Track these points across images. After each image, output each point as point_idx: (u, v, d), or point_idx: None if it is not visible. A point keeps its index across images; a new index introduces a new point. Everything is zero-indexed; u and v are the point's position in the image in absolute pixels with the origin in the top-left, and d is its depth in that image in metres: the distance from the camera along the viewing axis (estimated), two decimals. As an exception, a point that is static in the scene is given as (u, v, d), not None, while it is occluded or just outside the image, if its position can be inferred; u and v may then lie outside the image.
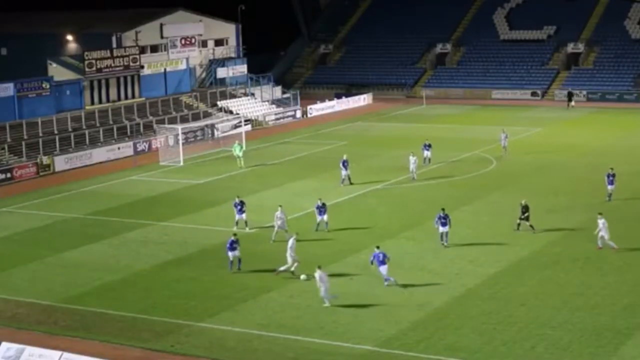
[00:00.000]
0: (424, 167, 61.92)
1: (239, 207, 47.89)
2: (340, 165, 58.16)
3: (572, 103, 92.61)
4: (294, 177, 61.26)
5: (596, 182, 55.45)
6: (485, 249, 43.14)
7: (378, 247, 38.88)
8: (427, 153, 63.56)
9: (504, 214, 49.45)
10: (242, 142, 68.91)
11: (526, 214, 45.68)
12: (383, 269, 38.05)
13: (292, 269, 39.80)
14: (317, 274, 35.93)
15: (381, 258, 38.08)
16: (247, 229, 47.65)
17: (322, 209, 46.74)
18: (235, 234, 41.93)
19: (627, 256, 41.45)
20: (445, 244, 43.66)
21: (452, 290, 37.44)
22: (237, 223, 47.82)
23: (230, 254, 40.78)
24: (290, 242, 40.15)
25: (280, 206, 46.27)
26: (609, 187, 51.64)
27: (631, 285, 37.48)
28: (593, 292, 36.78)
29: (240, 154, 65.73)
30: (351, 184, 57.57)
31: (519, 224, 45.88)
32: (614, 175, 51.59)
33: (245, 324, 34.42)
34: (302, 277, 39.26)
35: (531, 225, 45.70)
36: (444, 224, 43.80)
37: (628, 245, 43.05)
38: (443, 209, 44.20)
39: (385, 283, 38.11)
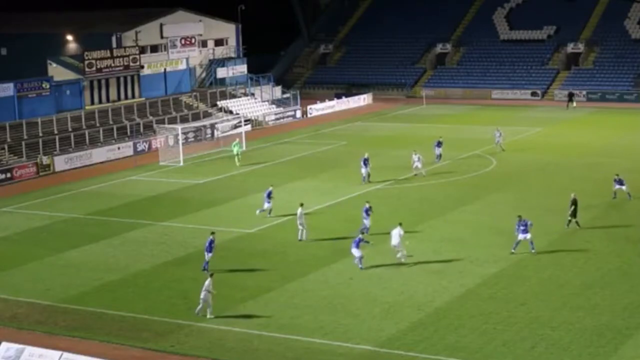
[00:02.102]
0: (434, 165, 62.62)
1: (270, 196, 49.45)
2: (361, 163, 58.43)
3: (574, 104, 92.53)
4: (294, 177, 61.24)
5: (597, 182, 55.48)
6: (485, 249, 43.12)
7: (363, 233, 42.13)
8: (438, 150, 64.51)
9: (504, 214, 49.43)
10: (240, 142, 69.10)
11: (572, 208, 45.50)
12: (355, 252, 40.61)
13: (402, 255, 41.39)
14: (208, 281, 35.52)
15: (357, 241, 40.65)
16: (269, 215, 49.39)
17: (368, 212, 45.44)
18: (213, 233, 41.68)
19: (627, 256, 41.45)
20: (533, 251, 41.92)
21: (452, 290, 37.44)
22: (264, 210, 49.56)
23: (208, 255, 40.85)
24: (397, 231, 41.12)
25: (302, 205, 46.09)
26: (617, 186, 51.28)
27: (631, 285, 37.49)
28: (593, 292, 36.79)
29: (237, 152, 66.07)
30: (369, 181, 57.93)
31: (569, 221, 45.68)
32: (620, 181, 51.30)
33: (245, 324, 34.41)
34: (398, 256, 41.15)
35: (577, 222, 45.57)
36: (524, 231, 41.88)
37: (628, 245, 43.07)
38: (520, 216, 42.41)
39: (360, 266, 40.47)
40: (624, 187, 51.26)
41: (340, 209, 51.90)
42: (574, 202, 45.84)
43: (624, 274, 39.09)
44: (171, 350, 32.28)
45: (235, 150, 66.32)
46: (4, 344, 30.82)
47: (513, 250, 42.13)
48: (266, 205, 49.64)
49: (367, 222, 45.26)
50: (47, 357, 29.90)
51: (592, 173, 58.57)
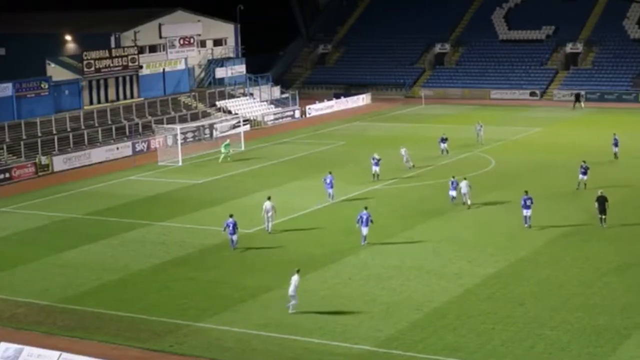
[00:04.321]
0: (438, 163, 63.82)
1: (329, 182, 52.89)
2: (372, 161, 59.45)
3: (582, 104, 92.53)
4: (292, 177, 61.27)
5: (596, 182, 55.48)
6: (484, 249, 43.14)
7: (366, 208, 44.47)
8: (443, 145, 66.87)
9: (503, 213, 49.50)
10: (230, 142, 69.88)
11: (595, 205, 46.12)
12: (364, 230, 43.57)
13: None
14: (295, 276, 35.59)
15: (365, 219, 43.47)
16: (331, 200, 52.90)
17: (455, 187, 50.23)
18: (232, 215, 44.19)
19: (625, 256, 41.47)
20: (526, 225, 46.28)
21: (451, 291, 37.44)
22: (330, 196, 53.03)
23: (233, 236, 43.65)
24: (465, 183, 51.03)
25: (269, 198, 47.41)
26: (581, 177, 54.34)
27: (629, 285, 37.50)
28: (592, 292, 36.80)
29: (225, 152, 67.56)
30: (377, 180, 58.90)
31: (601, 219, 46.18)
32: (587, 168, 54.39)
33: (244, 324, 34.42)
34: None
35: (603, 219, 45.99)
36: (527, 207, 46.07)
37: (627, 245, 43.10)
38: (526, 192, 46.86)
39: (363, 243, 43.69)
40: (585, 177, 53.86)
41: (338, 209, 51.89)
42: (597, 200, 46.25)
43: (623, 274, 39.09)
44: (170, 350, 32.29)
45: (223, 150, 67.46)
46: (3, 344, 30.80)
47: (526, 225, 46.12)
48: (329, 191, 52.95)
49: (452, 194, 51.04)
50: (45, 357, 29.88)
51: (591, 173, 58.44)
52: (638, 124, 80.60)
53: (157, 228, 49.22)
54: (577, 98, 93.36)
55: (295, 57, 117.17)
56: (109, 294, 38.53)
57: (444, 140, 66.93)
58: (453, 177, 52.37)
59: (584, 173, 54.26)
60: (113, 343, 32.93)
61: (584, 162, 54.93)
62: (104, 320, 35.42)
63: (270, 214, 46.65)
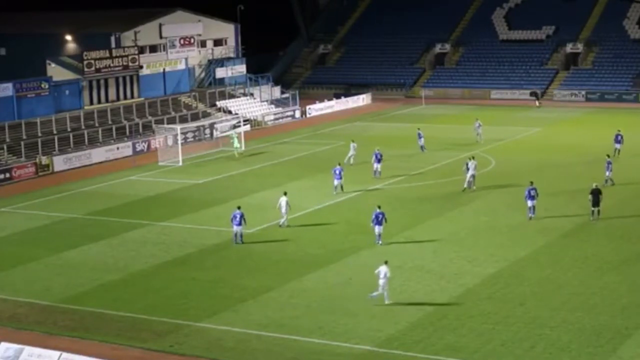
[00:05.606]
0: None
1: (338, 173, 54.69)
2: (373, 158, 59.64)
3: (538, 102, 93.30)
4: (292, 177, 61.26)
5: (595, 181, 55.45)
6: (484, 249, 43.15)
7: (379, 207, 44.24)
8: (421, 141, 68.05)
9: (503, 213, 49.51)
10: (235, 135, 71.23)
11: (590, 197, 46.87)
12: (378, 229, 43.75)
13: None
14: (385, 267, 35.90)
15: (380, 218, 43.66)
16: (335, 192, 54.53)
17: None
18: (239, 207, 45.06)
19: (626, 255, 41.47)
20: (532, 215, 47.25)
21: (451, 291, 37.46)
22: (335, 188, 54.81)
23: (237, 228, 44.34)
24: (472, 163, 54.43)
25: (285, 193, 48.12)
26: (608, 173, 54.74)
27: (630, 285, 37.52)
28: (592, 292, 36.82)
29: (235, 139, 69.58)
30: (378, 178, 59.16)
31: (592, 212, 46.96)
32: (609, 163, 54.85)
33: (244, 324, 34.43)
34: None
35: (596, 211, 46.79)
36: (532, 197, 47.07)
37: (627, 244, 43.11)
38: (532, 182, 48.01)
39: (379, 242, 43.75)
40: (610, 173, 54.60)
41: (339, 209, 51.91)
42: (592, 192, 46.99)
43: (623, 273, 39.10)
44: (170, 350, 32.30)
45: (235, 143, 69.13)
46: (3, 344, 30.82)
47: (531, 215, 47.22)
48: (336, 182, 54.72)
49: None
50: (46, 357, 29.89)
51: (590, 173, 58.53)
52: (638, 123, 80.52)
53: (157, 228, 49.23)
54: (536, 96, 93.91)
55: (296, 57, 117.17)
56: (109, 294, 38.54)
57: (420, 136, 67.93)
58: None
59: (609, 169, 54.67)
60: (113, 343, 32.94)
61: (608, 156, 55.66)
62: (105, 320, 35.44)
63: (284, 209, 47.48)
